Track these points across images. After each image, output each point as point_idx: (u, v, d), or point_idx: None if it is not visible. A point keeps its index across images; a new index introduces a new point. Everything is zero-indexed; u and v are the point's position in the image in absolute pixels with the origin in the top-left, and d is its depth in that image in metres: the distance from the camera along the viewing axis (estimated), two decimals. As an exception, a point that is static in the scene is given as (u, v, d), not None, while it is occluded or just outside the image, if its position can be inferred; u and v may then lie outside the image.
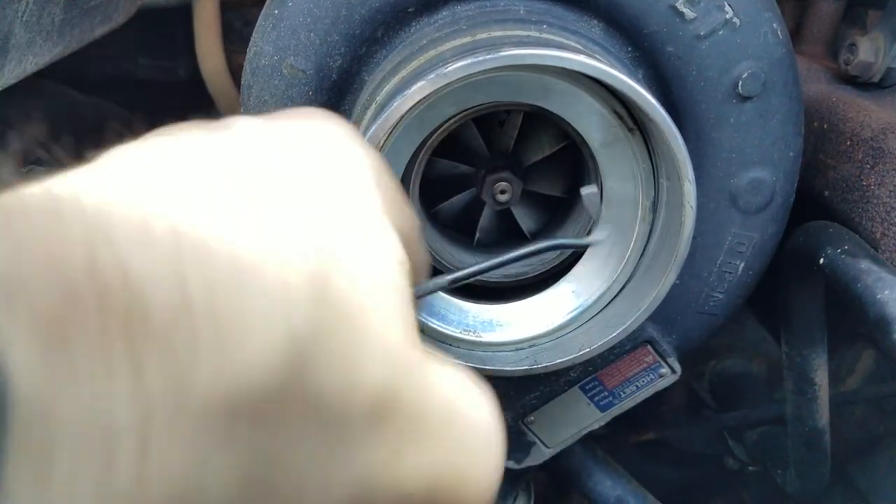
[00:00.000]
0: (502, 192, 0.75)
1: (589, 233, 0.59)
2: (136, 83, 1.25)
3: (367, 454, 0.27)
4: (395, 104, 0.57)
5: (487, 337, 0.74)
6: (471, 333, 0.74)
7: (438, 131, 0.68)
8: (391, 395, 0.28)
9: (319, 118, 0.34)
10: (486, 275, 0.78)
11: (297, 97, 0.71)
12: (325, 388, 0.26)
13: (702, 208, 0.65)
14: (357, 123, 0.65)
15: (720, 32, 0.68)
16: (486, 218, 0.79)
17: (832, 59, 0.97)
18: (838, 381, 1.19)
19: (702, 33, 0.68)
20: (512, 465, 0.87)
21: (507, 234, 0.81)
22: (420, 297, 0.37)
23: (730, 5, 0.68)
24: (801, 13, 1.03)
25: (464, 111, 0.66)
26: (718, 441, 1.30)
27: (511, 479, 0.92)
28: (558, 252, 0.77)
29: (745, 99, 0.71)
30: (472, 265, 0.78)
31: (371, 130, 0.58)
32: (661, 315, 0.70)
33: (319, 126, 0.33)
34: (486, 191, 0.75)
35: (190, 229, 0.25)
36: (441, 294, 0.79)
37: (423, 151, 0.69)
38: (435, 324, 0.73)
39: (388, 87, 0.63)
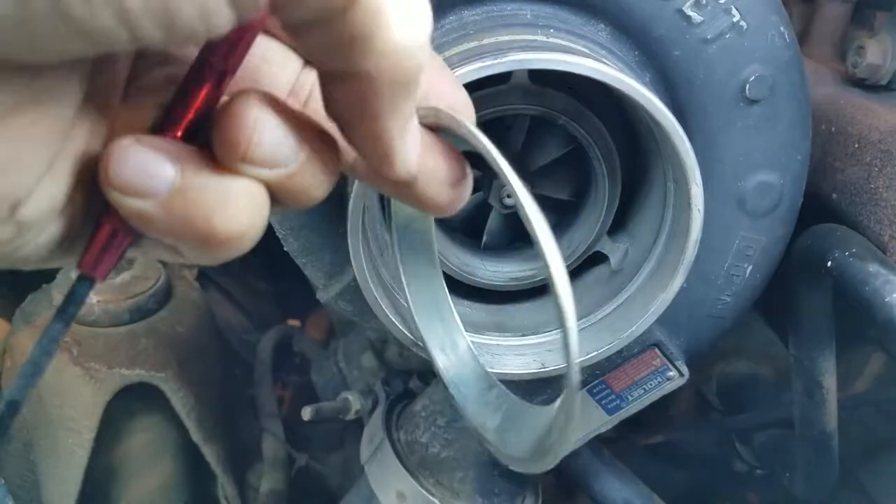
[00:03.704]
0: (509, 195, 0.75)
1: None
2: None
3: None
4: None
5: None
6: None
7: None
8: None
9: None
10: (495, 278, 0.78)
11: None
12: None
13: (709, 212, 0.64)
14: None
15: (727, 36, 0.68)
16: (493, 221, 0.79)
17: (840, 61, 0.97)
18: (846, 384, 1.18)
19: (709, 37, 0.68)
20: (519, 468, 0.87)
21: (515, 238, 0.81)
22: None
23: (737, 9, 0.68)
24: (809, 16, 1.02)
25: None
26: (726, 444, 1.30)
27: (518, 482, 0.92)
28: (567, 256, 0.77)
29: (753, 102, 0.70)
30: (479, 269, 0.78)
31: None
32: (669, 318, 0.70)
33: None
34: (493, 194, 0.75)
35: None
36: (448, 297, 0.79)
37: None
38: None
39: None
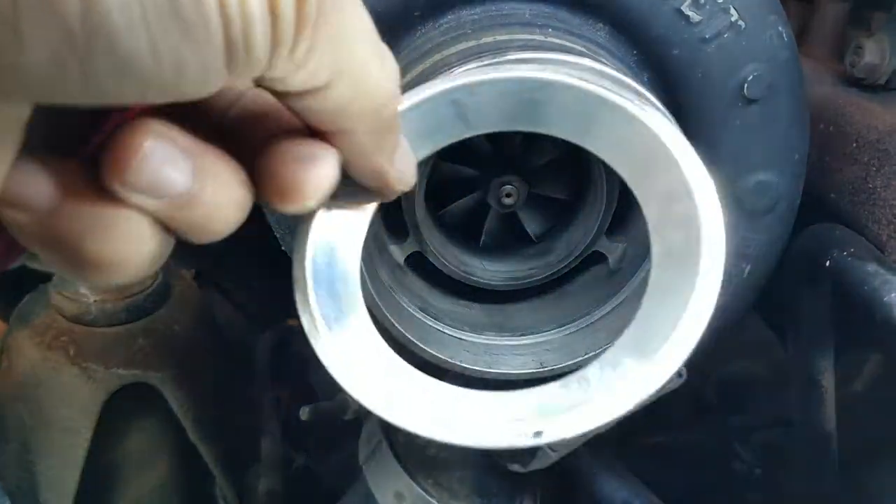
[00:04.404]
0: (508, 195, 0.75)
1: None
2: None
3: None
4: (401, 109, 0.57)
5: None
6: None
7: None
8: None
9: None
10: (493, 278, 0.78)
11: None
12: None
13: (707, 211, 0.64)
14: None
15: (725, 35, 0.68)
16: (491, 221, 0.79)
17: (838, 61, 0.97)
18: (845, 383, 1.18)
19: (707, 36, 0.68)
20: (518, 468, 0.87)
21: (513, 238, 0.81)
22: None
23: (735, 8, 0.68)
24: (807, 15, 1.03)
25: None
26: (724, 444, 1.30)
27: (517, 483, 0.92)
28: (565, 256, 0.77)
29: (751, 101, 0.70)
30: (477, 269, 0.78)
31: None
32: (667, 318, 0.70)
33: None
34: (491, 194, 0.75)
35: None
36: (447, 297, 0.79)
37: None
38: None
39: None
